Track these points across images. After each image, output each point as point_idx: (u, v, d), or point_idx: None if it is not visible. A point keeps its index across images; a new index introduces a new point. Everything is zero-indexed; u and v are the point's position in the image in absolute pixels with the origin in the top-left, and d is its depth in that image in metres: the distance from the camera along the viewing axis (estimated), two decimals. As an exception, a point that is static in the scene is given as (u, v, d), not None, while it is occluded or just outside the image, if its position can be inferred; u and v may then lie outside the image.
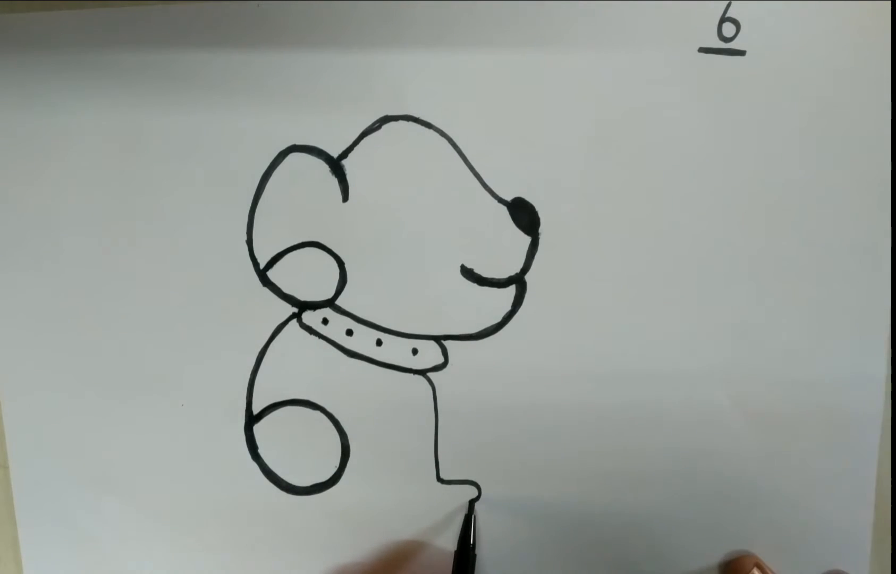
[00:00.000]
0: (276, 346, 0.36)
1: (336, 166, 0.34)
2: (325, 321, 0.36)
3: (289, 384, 0.36)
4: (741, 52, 0.32)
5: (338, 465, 0.36)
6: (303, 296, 0.36)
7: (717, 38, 0.32)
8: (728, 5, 0.32)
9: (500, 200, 0.34)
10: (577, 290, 0.34)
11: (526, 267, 0.34)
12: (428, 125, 0.34)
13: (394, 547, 0.36)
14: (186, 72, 0.34)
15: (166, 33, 0.34)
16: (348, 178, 0.35)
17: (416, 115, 0.34)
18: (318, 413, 0.36)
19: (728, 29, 0.32)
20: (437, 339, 0.35)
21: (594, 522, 0.36)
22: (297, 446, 0.36)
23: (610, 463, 0.35)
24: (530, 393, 0.35)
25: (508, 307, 0.35)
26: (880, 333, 0.34)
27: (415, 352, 0.35)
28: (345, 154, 0.34)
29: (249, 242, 0.35)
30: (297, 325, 0.36)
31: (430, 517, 0.36)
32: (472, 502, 0.36)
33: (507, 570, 0.37)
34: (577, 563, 0.36)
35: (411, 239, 0.35)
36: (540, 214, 0.34)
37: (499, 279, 0.35)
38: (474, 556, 0.35)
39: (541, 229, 0.34)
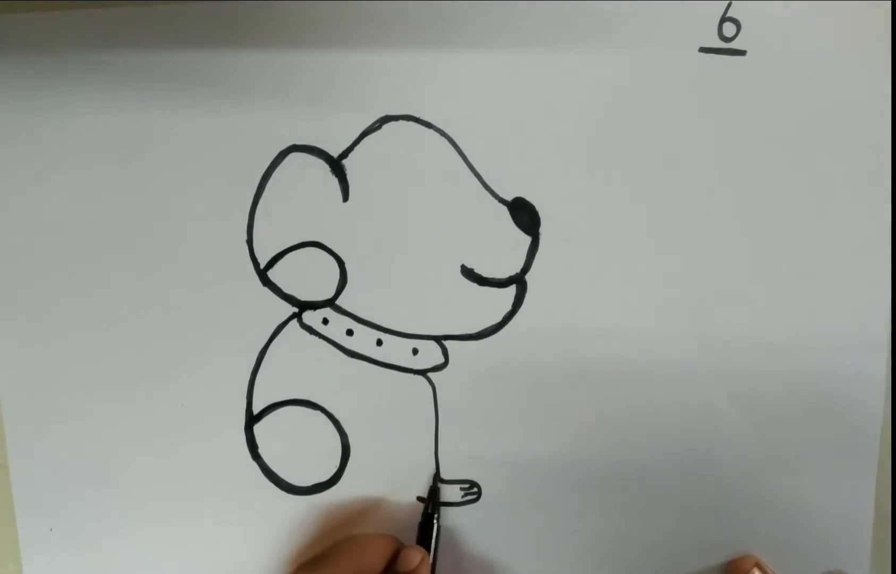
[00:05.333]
0: (276, 346, 0.36)
1: (336, 166, 0.34)
2: (325, 321, 0.36)
3: (289, 384, 0.36)
4: (741, 52, 0.32)
5: (338, 465, 0.36)
6: (303, 296, 0.36)
7: (717, 38, 0.32)
8: (728, 5, 0.32)
9: (501, 200, 0.34)
10: (577, 290, 0.34)
11: (526, 267, 0.34)
12: (428, 125, 0.34)
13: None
14: (186, 72, 0.34)
15: (166, 33, 0.34)
16: (348, 178, 0.35)
17: (416, 115, 0.34)
18: (318, 413, 0.36)
19: (728, 29, 0.32)
20: (437, 339, 0.35)
21: (594, 522, 0.36)
22: (297, 446, 0.36)
23: (610, 463, 0.35)
24: (530, 393, 0.35)
25: (508, 307, 0.35)
26: (880, 333, 0.34)
27: (415, 352, 0.35)
28: (345, 154, 0.34)
29: (249, 242, 0.35)
30: (297, 325, 0.36)
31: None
32: (437, 475, 0.36)
33: (506, 569, 0.37)
34: (577, 563, 0.36)
35: (411, 239, 0.35)
36: (540, 214, 0.34)
37: (499, 279, 0.35)
38: (438, 526, 0.35)
39: (541, 229, 0.34)
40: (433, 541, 0.35)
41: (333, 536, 0.37)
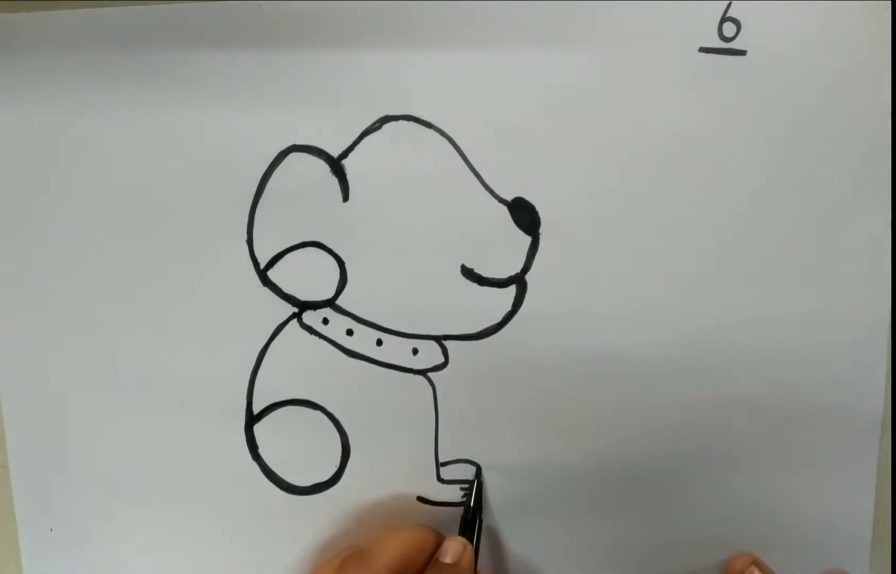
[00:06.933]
0: (276, 346, 0.36)
1: (336, 166, 0.34)
2: (325, 321, 0.36)
3: (289, 384, 0.36)
4: (742, 52, 0.32)
5: (338, 465, 0.36)
6: (303, 296, 0.36)
7: (717, 38, 0.32)
8: (728, 5, 0.32)
9: (501, 200, 0.34)
10: (577, 290, 0.34)
11: (526, 267, 0.34)
12: (428, 125, 0.34)
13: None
14: (186, 72, 0.34)
15: (166, 33, 0.34)
16: (348, 178, 0.34)
17: (416, 115, 0.34)
18: (318, 413, 0.36)
19: (728, 29, 0.32)
20: (437, 339, 0.35)
21: (594, 521, 0.36)
22: (297, 446, 0.36)
23: (609, 463, 0.35)
24: (530, 393, 0.35)
25: (508, 307, 0.35)
26: (880, 333, 0.34)
27: (415, 352, 0.35)
28: (345, 154, 0.34)
29: (249, 242, 0.35)
30: (297, 325, 0.36)
31: (430, 518, 0.36)
32: (479, 469, 0.36)
33: (506, 568, 0.37)
34: (577, 561, 0.36)
35: (411, 239, 0.35)
36: (540, 214, 0.34)
37: (499, 279, 0.35)
38: (481, 520, 0.35)
39: (541, 229, 0.34)
40: (476, 536, 0.35)
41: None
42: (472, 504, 0.35)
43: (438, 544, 0.34)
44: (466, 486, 0.36)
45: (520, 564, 0.37)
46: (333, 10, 0.33)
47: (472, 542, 0.34)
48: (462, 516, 0.35)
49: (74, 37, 0.34)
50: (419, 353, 0.35)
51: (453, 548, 0.33)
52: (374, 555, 0.32)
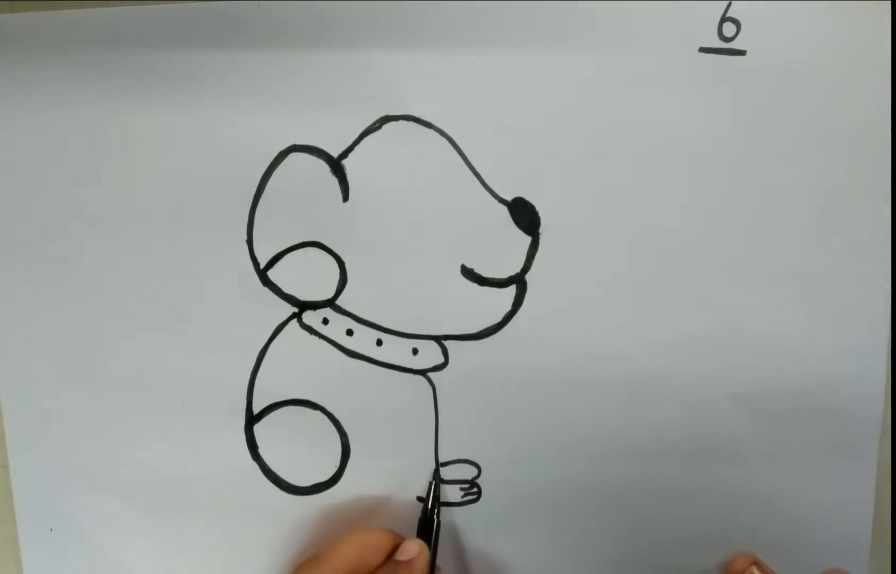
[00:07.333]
0: (276, 346, 0.36)
1: (336, 166, 0.34)
2: (325, 321, 0.36)
3: (289, 384, 0.36)
4: (742, 52, 0.32)
5: (338, 465, 0.37)
6: (303, 296, 0.36)
7: (717, 38, 0.32)
8: (728, 5, 0.32)
9: (501, 200, 0.34)
10: (577, 290, 0.34)
11: (526, 267, 0.34)
12: (428, 125, 0.34)
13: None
14: (186, 72, 0.34)
15: (166, 33, 0.34)
16: (348, 178, 0.34)
17: (416, 115, 0.34)
18: (318, 413, 0.36)
19: (728, 29, 0.32)
20: (437, 339, 0.35)
21: (594, 522, 0.36)
22: (297, 446, 0.36)
23: (610, 463, 0.35)
24: (530, 393, 0.35)
25: (508, 307, 0.35)
26: (880, 333, 0.34)
27: (415, 352, 0.35)
28: (345, 154, 0.34)
29: (249, 242, 0.35)
30: (297, 325, 0.36)
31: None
32: (436, 470, 0.36)
33: (506, 568, 0.37)
34: (577, 562, 0.36)
35: (411, 239, 0.35)
36: (540, 214, 0.34)
37: (499, 279, 0.35)
38: (439, 521, 0.35)
39: (541, 229, 0.34)
40: (433, 535, 0.35)
41: (333, 536, 0.37)
42: (429, 504, 0.36)
43: (397, 546, 0.34)
44: (466, 485, 0.36)
45: (520, 564, 0.37)
46: (333, 10, 0.33)
47: (429, 543, 0.34)
48: (419, 518, 0.36)
49: (74, 37, 0.34)
50: (419, 353, 0.35)
51: (410, 547, 0.33)
52: (326, 558, 0.33)
